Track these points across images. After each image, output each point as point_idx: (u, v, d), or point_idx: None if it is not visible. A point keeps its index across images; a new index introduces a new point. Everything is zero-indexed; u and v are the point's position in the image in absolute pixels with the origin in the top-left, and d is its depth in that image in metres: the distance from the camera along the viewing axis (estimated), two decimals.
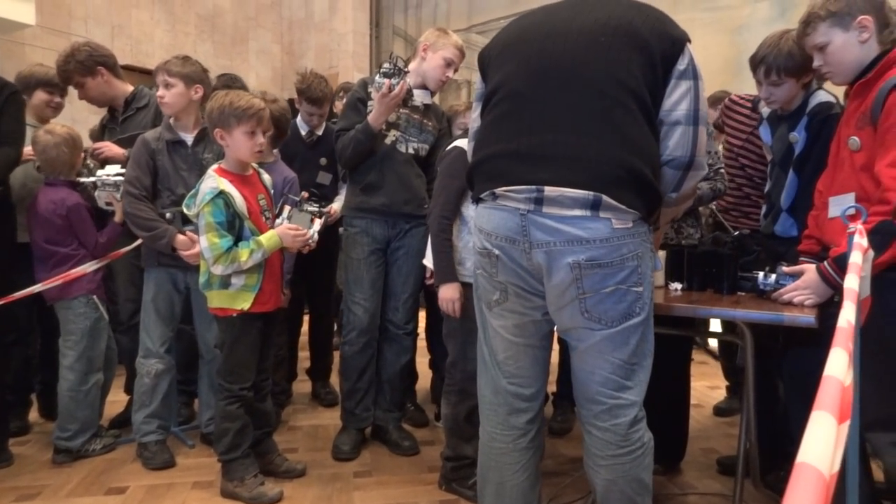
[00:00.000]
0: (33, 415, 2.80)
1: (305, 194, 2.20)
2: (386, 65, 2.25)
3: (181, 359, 2.55)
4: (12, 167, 2.36)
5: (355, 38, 6.48)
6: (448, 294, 2.03)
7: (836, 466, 0.52)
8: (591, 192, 1.26)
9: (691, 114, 1.34)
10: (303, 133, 2.96)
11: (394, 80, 2.21)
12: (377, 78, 2.24)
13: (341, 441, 2.45)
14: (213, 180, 1.98)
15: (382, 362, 2.50)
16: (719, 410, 3.03)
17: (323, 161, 2.94)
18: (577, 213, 1.27)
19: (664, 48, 1.33)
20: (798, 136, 1.98)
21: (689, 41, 1.36)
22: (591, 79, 1.31)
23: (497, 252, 1.38)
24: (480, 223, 1.42)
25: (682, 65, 1.34)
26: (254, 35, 6.69)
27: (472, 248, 1.53)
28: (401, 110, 2.38)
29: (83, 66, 2.59)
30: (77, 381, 2.36)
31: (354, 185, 2.45)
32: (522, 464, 1.52)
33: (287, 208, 2.13)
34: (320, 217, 2.17)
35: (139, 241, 2.45)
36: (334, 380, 3.18)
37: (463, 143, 2.00)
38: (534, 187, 1.28)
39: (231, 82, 3.18)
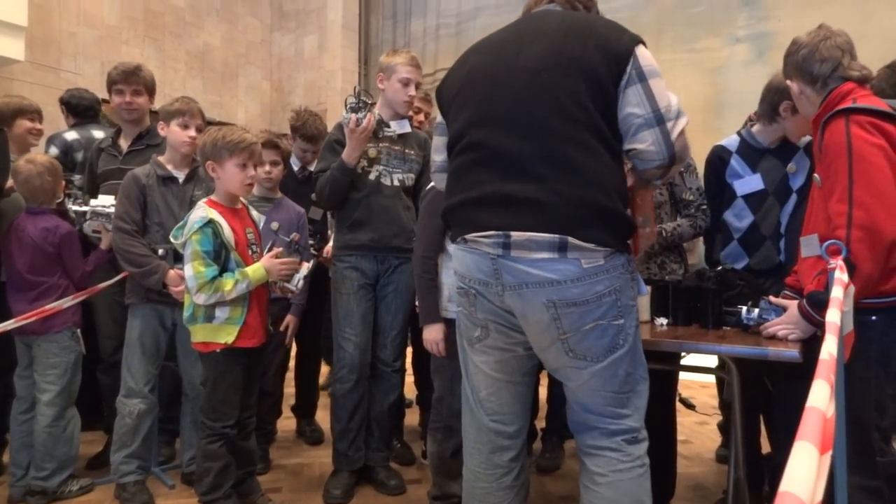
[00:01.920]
0: (7, 456, 2.71)
1: (297, 236, 2.19)
2: (351, 99, 2.24)
3: (163, 396, 2.50)
4: None
5: (344, 76, 6.58)
6: (432, 335, 2.03)
7: (819, 496, 0.53)
8: (557, 235, 1.26)
9: (651, 115, 1.29)
10: (295, 168, 2.98)
11: (360, 115, 2.22)
12: (344, 114, 2.24)
13: (333, 485, 2.38)
14: (202, 210, 1.99)
15: (370, 401, 2.46)
16: (721, 457, 2.87)
17: (314, 196, 2.95)
18: (545, 255, 1.27)
19: (610, 67, 1.30)
20: (796, 167, 2.09)
21: (640, 43, 1.32)
22: (542, 120, 1.31)
23: (473, 291, 1.41)
24: (457, 265, 1.46)
25: (627, 76, 1.30)
26: (243, 72, 6.77)
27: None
28: (380, 144, 2.39)
29: (150, 83, 2.71)
30: (56, 416, 2.30)
31: (341, 223, 2.44)
32: (507, 503, 1.50)
33: (277, 249, 2.11)
34: (309, 261, 2.16)
35: (120, 276, 2.43)
36: (319, 416, 3.14)
37: None
38: (500, 233, 1.30)
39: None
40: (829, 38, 1.63)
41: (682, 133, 1.33)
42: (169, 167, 2.37)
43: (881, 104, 1.53)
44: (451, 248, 1.94)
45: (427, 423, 2.83)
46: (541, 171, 1.30)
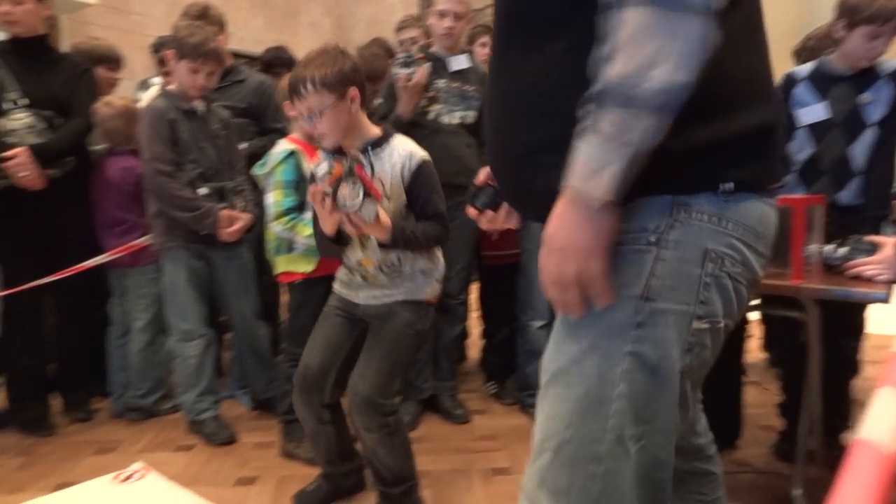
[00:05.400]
0: None
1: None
2: (401, 55, 2.33)
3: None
4: (83, 137, 2.43)
5: (405, 9, 6.43)
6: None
7: None
8: None
9: None
10: None
11: (410, 70, 2.26)
12: (395, 69, 2.30)
13: (403, 411, 2.47)
14: (285, 143, 2.08)
15: (437, 332, 2.52)
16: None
17: None
18: None
19: None
20: (872, 97, 1.93)
21: None
22: None
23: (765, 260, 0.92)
24: (762, 228, 0.83)
25: None
26: (305, 9, 6.71)
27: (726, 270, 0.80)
28: (438, 83, 2.40)
29: (219, 22, 2.79)
30: (148, 342, 2.50)
31: None
32: None
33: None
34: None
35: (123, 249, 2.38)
36: None
37: None
38: None
39: (280, 53, 3.24)
40: None
41: None
42: (185, 99, 2.26)
43: None
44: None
45: (488, 356, 2.91)
46: None
